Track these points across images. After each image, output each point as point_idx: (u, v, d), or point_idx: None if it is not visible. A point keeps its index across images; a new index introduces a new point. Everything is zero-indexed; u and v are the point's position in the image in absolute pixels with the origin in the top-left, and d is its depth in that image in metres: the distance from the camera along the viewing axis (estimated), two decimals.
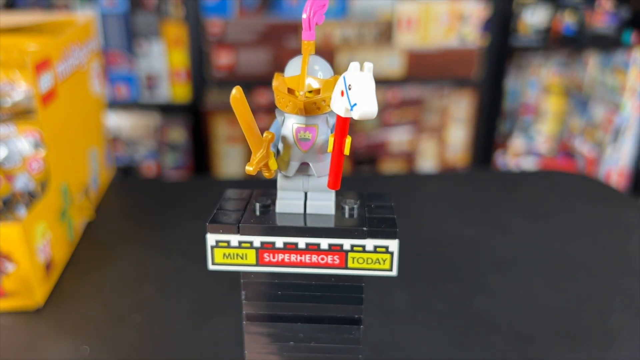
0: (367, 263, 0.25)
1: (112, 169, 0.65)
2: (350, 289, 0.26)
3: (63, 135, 0.48)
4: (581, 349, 0.38)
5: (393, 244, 0.25)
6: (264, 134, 0.23)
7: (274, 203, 0.25)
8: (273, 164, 0.23)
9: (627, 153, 1.46)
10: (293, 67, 0.23)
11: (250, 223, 0.24)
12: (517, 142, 1.52)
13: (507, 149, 1.52)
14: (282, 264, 0.25)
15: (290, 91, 0.23)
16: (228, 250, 0.24)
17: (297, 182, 0.25)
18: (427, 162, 1.48)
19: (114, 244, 0.51)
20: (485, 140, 1.44)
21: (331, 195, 0.25)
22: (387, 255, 0.25)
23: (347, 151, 0.22)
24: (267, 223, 0.24)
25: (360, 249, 0.24)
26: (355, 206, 0.25)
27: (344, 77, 0.20)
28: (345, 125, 0.22)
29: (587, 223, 0.56)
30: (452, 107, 1.42)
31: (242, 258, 0.24)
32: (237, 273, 0.25)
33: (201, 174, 1.38)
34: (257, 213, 0.25)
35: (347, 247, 0.24)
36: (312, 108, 0.23)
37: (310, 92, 0.23)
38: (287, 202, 0.25)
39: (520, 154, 1.52)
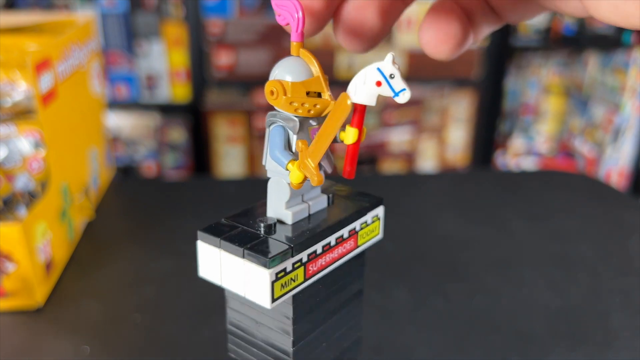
0: (368, 235, 0.26)
1: (112, 169, 0.65)
2: (356, 266, 0.27)
3: (63, 135, 0.48)
4: (581, 349, 0.38)
5: (381, 210, 0.26)
6: (300, 145, 0.22)
7: (270, 220, 0.24)
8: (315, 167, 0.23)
9: (627, 153, 1.46)
10: (297, 71, 0.23)
11: (300, 240, 0.22)
12: (517, 142, 1.52)
13: (507, 149, 1.52)
14: (321, 268, 0.24)
15: (311, 94, 0.23)
16: (284, 279, 0.22)
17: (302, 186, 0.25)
18: (427, 162, 1.48)
19: (114, 244, 0.51)
20: (485, 140, 1.44)
21: (319, 190, 0.26)
22: (377, 222, 0.26)
23: (364, 137, 0.23)
24: (307, 234, 0.23)
25: (364, 225, 0.26)
26: (331, 194, 0.26)
27: (378, 69, 0.21)
28: (364, 115, 0.23)
29: (587, 223, 0.56)
30: (452, 107, 1.42)
31: (294, 280, 0.23)
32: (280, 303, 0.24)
33: (201, 174, 1.38)
34: (267, 234, 0.23)
35: (358, 227, 0.25)
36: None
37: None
38: (297, 209, 0.24)
39: (520, 154, 1.52)
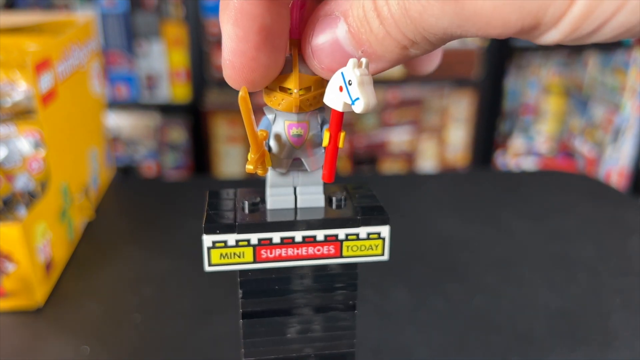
0: (361, 250, 0.26)
1: (112, 169, 0.65)
2: (345, 277, 0.27)
3: (63, 135, 0.48)
4: (581, 349, 0.38)
5: (384, 230, 0.26)
6: (259, 133, 0.23)
7: (262, 201, 0.26)
8: (268, 161, 0.24)
9: (627, 153, 1.46)
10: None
11: (247, 221, 0.24)
12: (517, 142, 1.52)
13: (507, 149, 1.52)
14: (279, 258, 0.25)
15: (283, 89, 0.23)
16: (225, 250, 0.24)
17: (288, 177, 0.25)
18: (427, 162, 1.48)
19: (114, 244, 0.51)
20: (485, 140, 1.44)
21: (321, 188, 0.26)
22: (379, 241, 0.26)
23: (341, 144, 0.23)
24: (263, 220, 0.24)
25: (354, 237, 0.25)
26: (343, 197, 0.26)
27: (342, 73, 0.21)
28: (340, 120, 0.22)
29: (587, 223, 0.56)
30: (452, 107, 1.42)
31: (239, 257, 0.25)
32: (236, 274, 0.25)
33: (201, 174, 1.38)
34: (247, 211, 0.25)
35: (342, 236, 0.25)
36: (305, 105, 0.23)
37: (302, 89, 0.23)
38: (279, 198, 0.25)
39: (520, 154, 1.52)
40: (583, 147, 1.50)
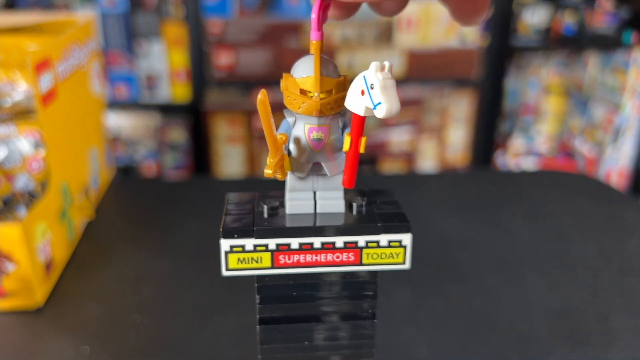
0: (381, 258, 0.25)
1: (112, 169, 0.65)
2: (365, 285, 0.26)
3: (63, 135, 0.48)
4: (581, 349, 0.38)
5: (406, 238, 0.25)
6: (278, 137, 0.22)
7: (281, 205, 0.25)
8: (287, 165, 0.23)
9: (627, 153, 1.46)
10: (303, 68, 0.23)
11: (265, 226, 0.24)
12: (517, 142, 1.52)
13: (507, 149, 1.52)
14: (297, 264, 0.24)
15: (303, 92, 0.23)
16: (242, 255, 0.24)
17: (308, 182, 0.25)
18: (427, 162, 1.48)
19: (114, 244, 0.51)
20: (485, 140, 1.44)
21: (341, 193, 0.25)
22: (401, 249, 0.25)
23: (362, 149, 0.22)
24: (281, 225, 0.24)
25: (374, 244, 0.25)
26: (364, 203, 0.25)
27: (364, 77, 0.21)
28: (362, 124, 0.22)
29: (587, 223, 0.56)
30: (452, 107, 1.42)
31: (257, 262, 0.24)
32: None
33: (201, 174, 1.38)
34: (266, 215, 0.25)
35: (362, 243, 0.25)
36: (326, 109, 0.23)
37: (323, 93, 0.23)
38: (298, 202, 0.25)
39: (520, 154, 1.52)
40: (583, 147, 1.50)
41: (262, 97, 0.21)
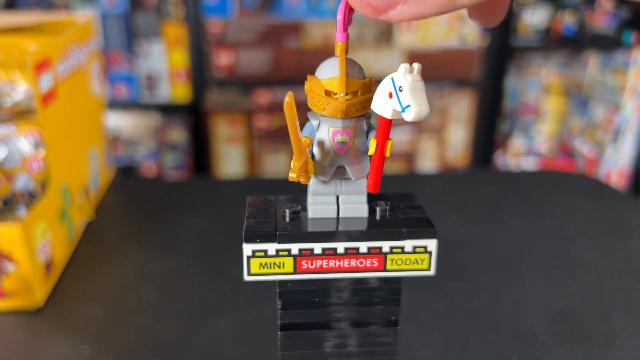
0: (406, 264, 0.25)
1: (112, 169, 0.65)
2: (388, 291, 0.26)
3: (63, 135, 0.48)
4: (581, 349, 0.38)
5: (432, 244, 0.24)
6: (302, 140, 0.22)
7: (303, 209, 0.25)
8: (311, 169, 0.23)
9: (627, 153, 1.46)
10: (328, 69, 0.23)
11: (288, 230, 0.23)
12: (517, 142, 1.52)
13: (507, 149, 1.52)
14: (320, 270, 0.24)
15: (328, 93, 0.22)
16: (265, 260, 0.24)
17: (331, 186, 0.24)
18: (427, 162, 1.48)
19: (114, 244, 0.51)
20: (485, 140, 1.44)
21: (364, 197, 0.25)
22: (426, 255, 0.25)
23: (388, 153, 0.22)
24: (304, 229, 0.24)
25: (399, 250, 0.24)
26: (387, 207, 0.25)
27: (392, 79, 0.20)
28: (388, 127, 0.21)
29: (587, 223, 0.56)
30: (452, 107, 1.42)
31: (279, 267, 0.24)
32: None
33: (201, 174, 1.38)
34: (287, 220, 0.24)
35: (386, 249, 0.24)
36: (351, 110, 0.22)
37: (348, 94, 0.22)
38: (321, 207, 0.25)
39: (520, 154, 1.52)
40: (583, 147, 1.50)
41: (289, 99, 0.20)
